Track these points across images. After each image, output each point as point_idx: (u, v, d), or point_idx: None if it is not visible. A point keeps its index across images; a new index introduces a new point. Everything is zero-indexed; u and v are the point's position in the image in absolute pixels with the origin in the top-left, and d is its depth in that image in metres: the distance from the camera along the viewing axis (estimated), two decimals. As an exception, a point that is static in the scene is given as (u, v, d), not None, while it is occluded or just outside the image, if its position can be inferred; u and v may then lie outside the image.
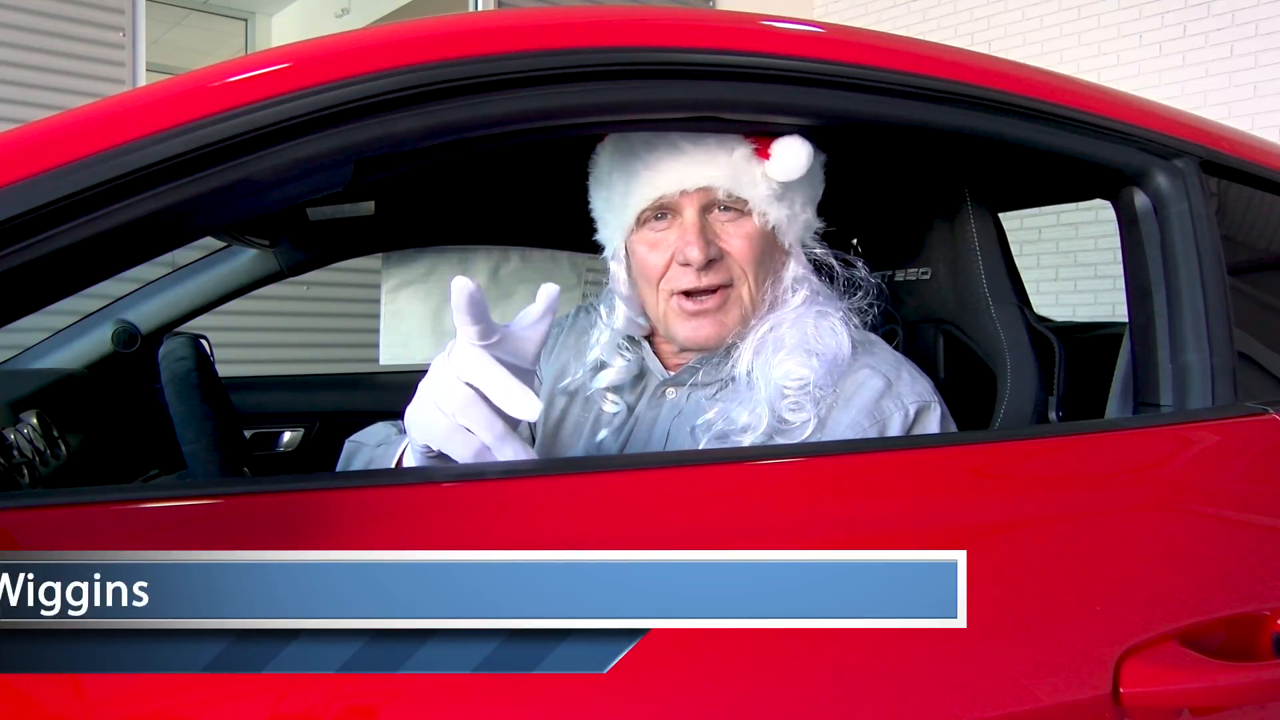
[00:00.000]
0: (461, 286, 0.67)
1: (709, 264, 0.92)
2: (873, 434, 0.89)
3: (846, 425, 0.90)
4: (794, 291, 0.97)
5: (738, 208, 0.94)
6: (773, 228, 0.95)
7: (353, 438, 1.05)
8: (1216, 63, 3.55)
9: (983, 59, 0.95)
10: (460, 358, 0.70)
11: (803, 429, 0.90)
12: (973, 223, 1.05)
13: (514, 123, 0.74)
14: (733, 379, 0.96)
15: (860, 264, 1.01)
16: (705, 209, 0.94)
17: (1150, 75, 3.68)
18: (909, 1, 4.46)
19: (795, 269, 0.97)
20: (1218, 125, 1.08)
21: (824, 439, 0.90)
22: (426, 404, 0.72)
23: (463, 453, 0.70)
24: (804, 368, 0.90)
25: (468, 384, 0.69)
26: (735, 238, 0.94)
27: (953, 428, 0.95)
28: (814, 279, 0.98)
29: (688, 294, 0.94)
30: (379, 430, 1.04)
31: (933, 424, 0.91)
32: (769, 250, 0.96)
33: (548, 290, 0.75)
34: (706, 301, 0.94)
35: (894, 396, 0.91)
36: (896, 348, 1.19)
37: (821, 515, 0.72)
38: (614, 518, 0.68)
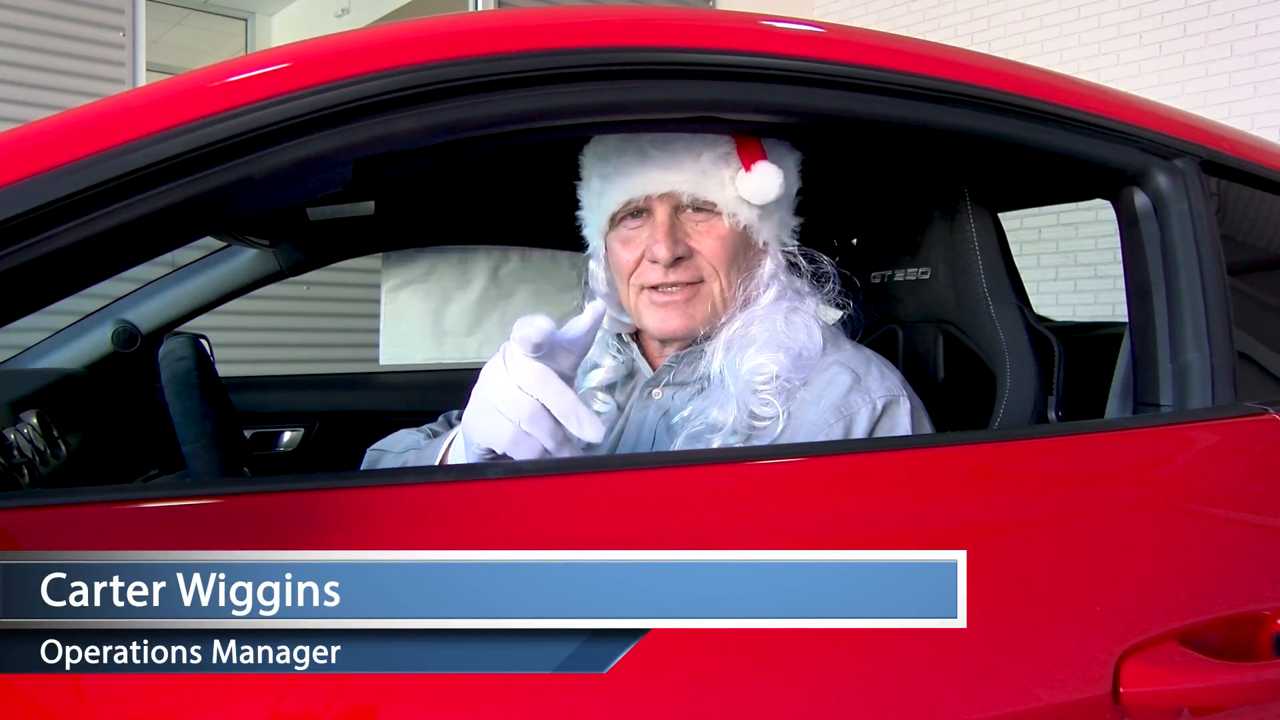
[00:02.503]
0: (538, 325, 0.72)
1: (677, 261, 0.95)
2: (839, 429, 0.90)
3: (812, 421, 0.90)
4: (766, 289, 0.98)
5: (708, 209, 0.96)
6: (745, 227, 0.97)
7: (375, 446, 1.06)
8: (1216, 63, 3.55)
9: (983, 59, 0.95)
10: (522, 371, 0.74)
11: (774, 425, 0.91)
12: (972, 223, 1.05)
13: (514, 123, 0.74)
14: (709, 378, 0.97)
15: (828, 261, 1.02)
16: (677, 209, 0.96)
17: (1150, 75, 3.68)
18: (909, 1, 4.46)
19: (769, 266, 0.99)
20: (1218, 125, 1.08)
21: (794, 435, 0.91)
22: (490, 410, 0.74)
23: (526, 455, 0.74)
24: (772, 362, 0.92)
25: (533, 396, 0.73)
26: (706, 237, 0.96)
27: (926, 421, 0.94)
28: (785, 276, 0.99)
29: (656, 287, 0.97)
30: (404, 437, 1.04)
31: (902, 418, 0.91)
32: (742, 249, 0.97)
33: (596, 307, 0.78)
34: (675, 294, 0.96)
35: (862, 391, 0.91)
36: (896, 348, 1.20)
37: (821, 515, 0.72)
38: (614, 518, 0.68)
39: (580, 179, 1.05)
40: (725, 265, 0.96)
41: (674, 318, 0.97)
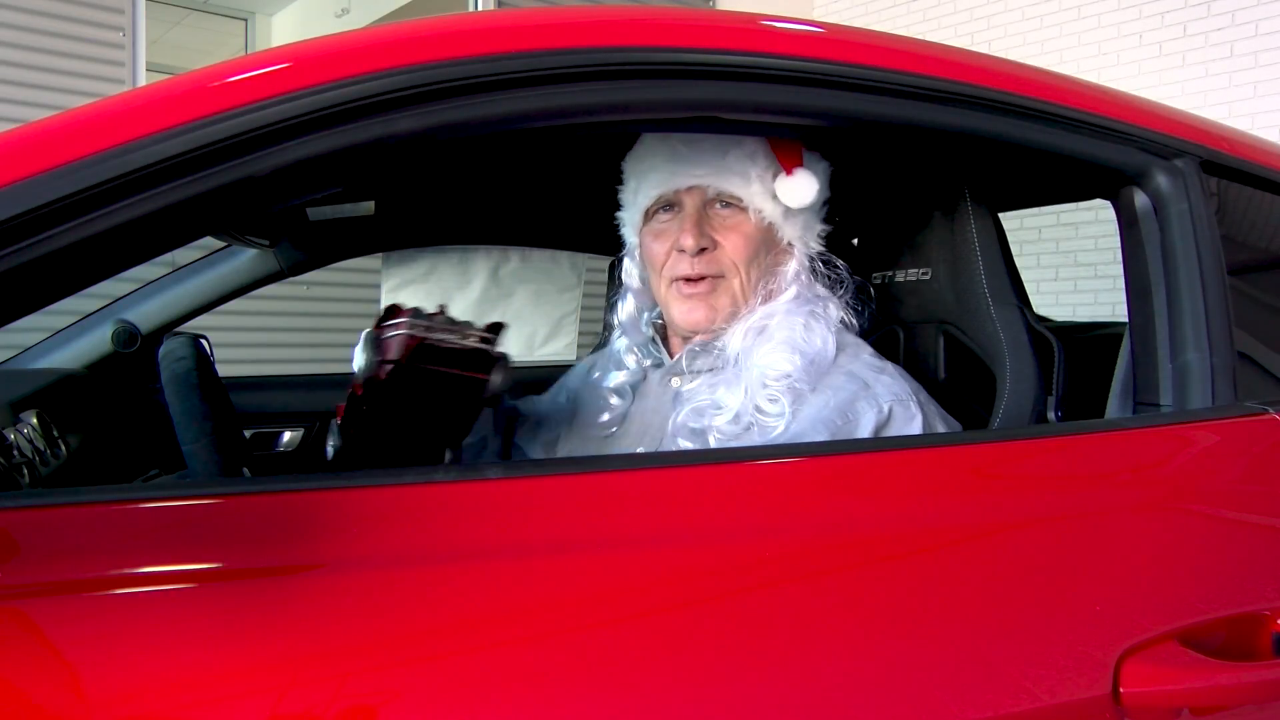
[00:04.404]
0: None
1: (701, 252, 0.99)
2: (844, 432, 0.91)
3: (816, 419, 0.92)
4: (788, 288, 1.01)
5: (735, 204, 1.00)
6: (769, 224, 1.01)
7: None
8: (1216, 63, 3.55)
9: (983, 59, 0.95)
10: None
11: (778, 422, 0.93)
12: (972, 223, 1.05)
13: (514, 123, 0.74)
14: (724, 365, 1.00)
15: (845, 267, 1.06)
16: (706, 204, 1.01)
17: (1150, 75, 3.68)
18: (909, 1, 4.46)
19: (792, 266, 1.02)
20: (1218, 125, 1.08)
21: (798, 433, 0.92)
22: None
23: None
24: (786, 361, 0.94)
25: None
26: (731, 232, 1.00)
27: (939, 425, 0.95)
28: (806, 278, 1.02)
29: (685, 279, 1.01)
30: None
31: (909, 421, 0.92)
32: (765, 246, 1.01)
33: None
34: (699, 285, 1.01)
35: (869, 397, 0.93)
36: (897, 348, 1.20)
37: (822, 515, 0.72)
38: (614, 518, 0.68)
39: (620, 182, 1.10)
40: (746, 260, 1.00)
41: (698, 309, 1.01)
